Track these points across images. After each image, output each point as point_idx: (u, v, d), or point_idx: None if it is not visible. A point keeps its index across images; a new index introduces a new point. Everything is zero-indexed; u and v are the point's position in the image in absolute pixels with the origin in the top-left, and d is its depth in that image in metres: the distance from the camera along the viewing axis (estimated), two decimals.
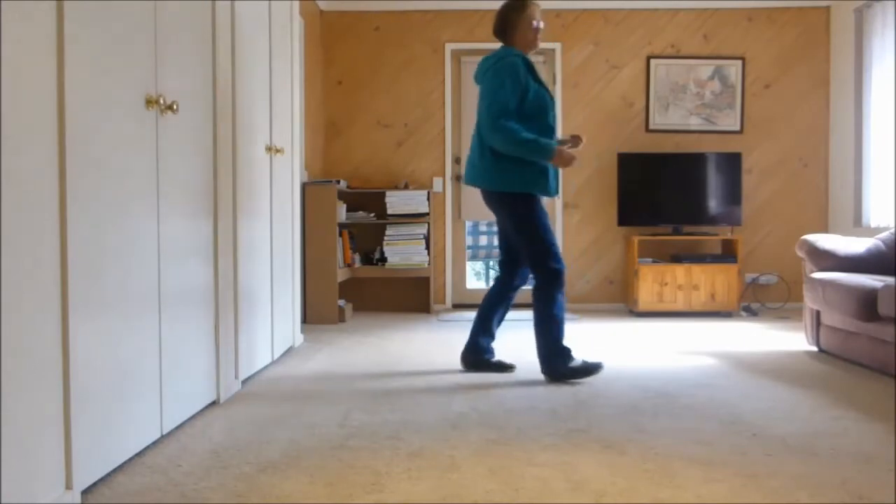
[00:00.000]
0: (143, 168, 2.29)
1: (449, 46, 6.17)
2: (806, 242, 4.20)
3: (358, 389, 3.22)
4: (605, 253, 6.20)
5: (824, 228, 6.15)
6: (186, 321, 2.64)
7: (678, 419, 2.70)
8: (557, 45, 6.15)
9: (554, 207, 6.20)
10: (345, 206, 5.79)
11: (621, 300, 6.19)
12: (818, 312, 4.08)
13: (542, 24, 3.43)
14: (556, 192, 3.45)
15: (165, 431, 2.46)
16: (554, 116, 3.42)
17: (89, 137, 1.96)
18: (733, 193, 5.93)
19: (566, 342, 3.50)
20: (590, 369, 3.36)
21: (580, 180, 6.19)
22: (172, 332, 2.51)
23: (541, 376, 3.42)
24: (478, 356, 3.61)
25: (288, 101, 4.16)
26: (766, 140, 6.18)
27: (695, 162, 5.96)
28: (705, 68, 6.17)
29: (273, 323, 3.78)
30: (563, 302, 3.38)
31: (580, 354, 4.02)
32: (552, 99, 3.43)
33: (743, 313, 5.79)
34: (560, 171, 3.65)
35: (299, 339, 4.38)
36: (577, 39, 6.18)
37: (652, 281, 5.70)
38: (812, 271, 4.14)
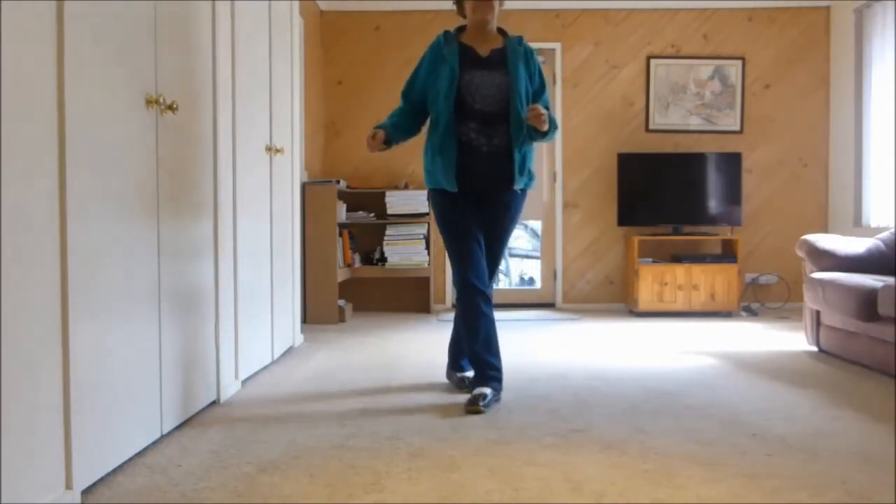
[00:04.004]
0: (143, 168, 2.29)
1: None
2: (806, 242, 4.20)
3: (358, 389, 3.22)
4: (605, 253, 6.20)
5: (824, 228, 6.15)
6: (186, 321, 2.64)
7: (678, 419, 2.70)
8: (557, 45, 6.14)
9: (554, 207, 6.20)
10: (345, 206, 5.78)
11: (621, 300, 6.18)
12: (818, 312, 4.08)
13: None
14: (454, 187, 2.99)
15: (165, 431, 2.46)
16: (446, 94, 2.98)
17: (89, 137, 1.96)
18: (733, 193, 5.93)
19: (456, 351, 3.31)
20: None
21: (580, 180, 6.18)
22: (172, 332, 2.51)
23: (540, 377, 3.43)
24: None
25: (288, 101, 4.15)
26: (766, 140, 6.18)
27: (695, 162, 5.95)
28: (705, 68, 6.16)
29: (273, 323, 3.78)
30: (461, 309, 3.04)
31: (579, 355, 4.04)
32: (453, 77, 2.99)
33: (743, 313, 5.79)
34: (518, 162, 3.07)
35: (299, 339, 4.37)
36: (577, 39, 6.18)
37: (652, 281, 5.69)
38: (812, 271, 4.14)
